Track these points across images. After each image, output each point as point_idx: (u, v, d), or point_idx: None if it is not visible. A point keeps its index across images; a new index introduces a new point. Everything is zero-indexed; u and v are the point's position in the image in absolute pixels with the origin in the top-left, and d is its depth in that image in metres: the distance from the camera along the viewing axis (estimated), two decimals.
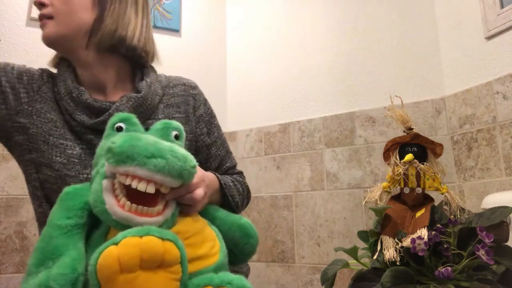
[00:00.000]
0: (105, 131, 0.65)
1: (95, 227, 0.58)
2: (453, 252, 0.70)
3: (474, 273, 0.67)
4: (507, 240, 0.70)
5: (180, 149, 0.57)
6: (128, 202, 0.53)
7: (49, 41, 0.77)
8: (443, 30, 1.62)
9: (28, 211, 1.59)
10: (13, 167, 1.59)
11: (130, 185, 0.53)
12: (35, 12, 1.73)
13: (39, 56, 1.72)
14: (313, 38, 1.92)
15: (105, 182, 0.55)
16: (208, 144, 0.89)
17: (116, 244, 0.47)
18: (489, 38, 1.42)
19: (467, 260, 0.67)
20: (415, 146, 0.89)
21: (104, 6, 0.78)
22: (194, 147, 0.87)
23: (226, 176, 0.88)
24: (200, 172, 0.66)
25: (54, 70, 0.84)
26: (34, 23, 1.74)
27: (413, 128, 0.91)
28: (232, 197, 0.83)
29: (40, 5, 0.76)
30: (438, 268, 0.67)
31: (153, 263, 0.47)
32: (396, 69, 1.69)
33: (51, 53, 1.84)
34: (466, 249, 0.68)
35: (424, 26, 1.66)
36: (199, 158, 0.87)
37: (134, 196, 0.54)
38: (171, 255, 0.48)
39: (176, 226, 0.59)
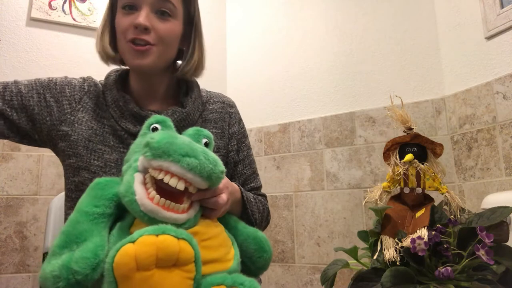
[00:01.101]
0: (141, 130, 0.69)
1: (121, 219, 0.60)
2: (453, 252, 0.70)
3: (474, 273, 0.67)
4: (507, 240, 0.70)
5: (212, 153, 0.60)
6: (158, 196, 0.56)
7: (147, 68, 0.78)
8: (443, 30, 1.62)
9: (28, 211, 1.59)
10: (13, 167, 1.59)
11: (160, 180, 0.56)
12: (35, 12, 1.73)
13: (39, 56, 1.72)
14: (313, 38, 1.92)
15: (138, 175, 0.58)
16: (236, 161, 0.91)
17: (133, 242, 0.48)
18: (489, 38, 1.42)
19: (467, 260, 0.67)
20: (415, 146, 0.89)
21: (190, 37, 0.84)
22: (225, 162, 0.89)
23: (249, 193, 0.89)
24: (225, 179, 0.68)
25: (99, 73, 0.89)
26: (34, 23, 1.74)
27: (413, 128, 0.91)
28: (251, 211, 0.83)
29: (145, 30, 0.75)
30: (438, 268, 0.67)
31: (168, 262, 0.48)
32: (396, 69, 1.69)
33: (50, 53, 1.84)
34: (466, 249, 0.68)
35: (424, 26, 1.66)
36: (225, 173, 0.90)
37: (161, 192, 0.57)
38: (186, 254, 0.50)
39: (195, 227, 0.60)
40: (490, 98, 1.39)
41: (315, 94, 1.87)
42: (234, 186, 0.79)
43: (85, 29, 1.83)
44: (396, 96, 0.99)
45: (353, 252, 0.86)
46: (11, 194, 1.58)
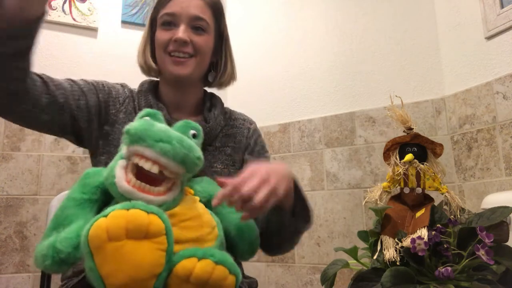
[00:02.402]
0: (134, 119, 0.71)
1: (108, 205, 0.64)
2: (453, 252, 0.70)
3: (474, 273, 0.68)
4: (507, 240, 0.70)
5: (189, 141, 0.63)
6: (134, 178, 0.60)
7: (185, 78, 0.85)
8: (443, 30, 1.62)
9: (28, 211, 1.59)
10: (13, 167, 1.59)
11: (138, 164, 0.60)
12: None
13: (39, 56, 1.72)
14: (313, 38, 1.92)
15: (121, 161, 0.63)
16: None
17: (105, 216, 0.52)
18: (489, 38, 1.42)
19: (467, 260, 0.67)
20: (415, 146, 0.89)
21: (220, 50, 0.93)
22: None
23: None
24: (263, 165, 0.63)
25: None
26: None
27: (413, 128, 0.91)
28: (307, 201, 0.75)
29: (184, 43, 0.83)
30: (438, 268, 0.67)
31: (138, 233, 0.52)
32: (396, 69, 1.69)
33: (50, 53, 1.85)
34: (466, 249, 0.68)
35: (424, 26, 1.66)
36: None
37: (143, 177, 0.61)
38: (156, 226, 0.53)
39: (175, 209, 0.63)
40: (490, 98, 1.39)
41: (315, 94, 1.87)
42: (283, 166, 0.68)
43: (85, 29, 1.83)
44: (396, 96, 1.00)
45: (353, 252, 0.87)
46: (11, 194, 1.58)
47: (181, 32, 0.83)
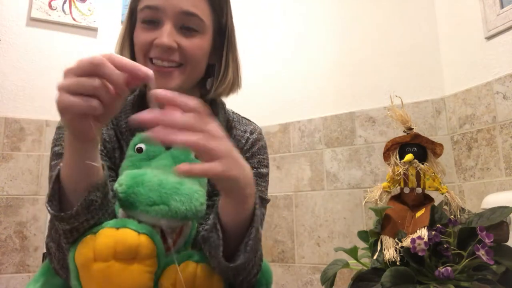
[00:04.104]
0: (127, 151, 0.64)
1: None
2: (453, 252, 0.70)
3: (474, 273, 0.68)
4: (507, 240, 0.70)
5: (187, 187, 0.56)
6: None
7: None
8: (443, 30, 1.62)
9: (28, 211, 1.59)
10: (13, 167, 1.59)
11: None
12: (35, 12, 1.73)
13: (39, 56, 1.72)
14: (313, 38, 1.92)
15: (121, 212, 0.58)
16: None
17: (94, 234, 0.50)
18: (489, 38, 1.42)
19: (467, 260, 0.67)
20: (415, 146, 0.89)
21: (221, 50, 0.75)
22: None
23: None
24: (232, 150, 0.51)
25: None
26: (34, 23, 1.74)
27: (413, 128, 0.91)
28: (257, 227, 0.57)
29: (169, 50, 0.66)
30: (438, 268, 0.67)
31: (127, 255, 0.49)
32: (396, 69, 1.69)
33: (51, 53, 1.84)
34: (466, 249, 0.68)
35: (424, 26, 1.66)
36: None
37: None
38: (146, 248, 0.50)
39: None
40: (490, 98, 1.39)
41: (315, 94, 1.87)
42: (247, 167, 0.54)
43: (85, 29, 1.83)
44: (396, 96, 1.00)
45: (353, 252, 0.87)
46: (11, 194, 1.58)
47: (165, 35, 0.65)
